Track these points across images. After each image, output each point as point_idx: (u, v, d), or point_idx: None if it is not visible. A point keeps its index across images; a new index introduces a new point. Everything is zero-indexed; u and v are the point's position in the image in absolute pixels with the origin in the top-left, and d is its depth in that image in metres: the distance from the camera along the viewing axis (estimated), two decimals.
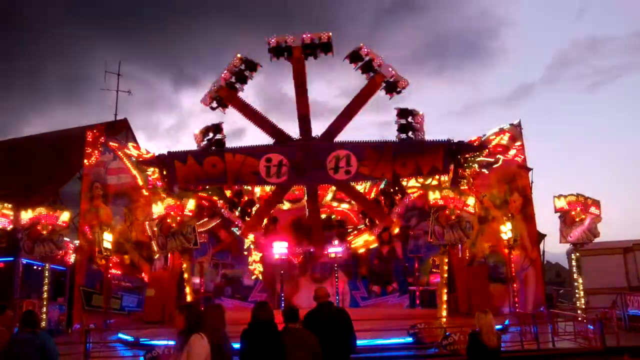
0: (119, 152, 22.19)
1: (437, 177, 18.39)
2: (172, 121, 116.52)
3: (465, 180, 18.67)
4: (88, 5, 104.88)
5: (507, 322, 15.67)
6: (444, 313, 15.17)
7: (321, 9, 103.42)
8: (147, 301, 19.26)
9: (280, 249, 19.83)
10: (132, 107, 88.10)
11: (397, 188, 19.14)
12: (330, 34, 18.33)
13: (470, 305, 17.30)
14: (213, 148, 17.83)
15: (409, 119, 17.84)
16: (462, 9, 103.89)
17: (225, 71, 18.56)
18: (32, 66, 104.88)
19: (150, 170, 22.00)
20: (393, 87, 18.35)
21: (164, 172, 18.08)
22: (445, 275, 15.34)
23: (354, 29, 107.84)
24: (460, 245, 17.75)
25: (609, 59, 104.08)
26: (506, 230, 18.83)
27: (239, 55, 18.65)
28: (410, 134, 17.79)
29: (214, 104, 18.67)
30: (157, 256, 20.85)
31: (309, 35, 18.23)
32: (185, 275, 16.39)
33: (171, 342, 12.11)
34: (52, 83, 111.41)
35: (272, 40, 18.48)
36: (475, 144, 18.92)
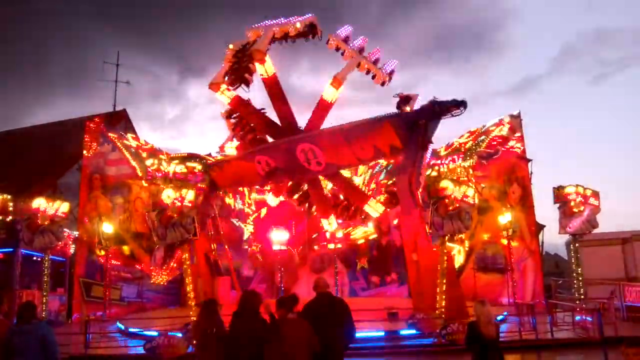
0: (118, 143, 22.17)
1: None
2: (177, 112, 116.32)
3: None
4: None
5: (505, 313, 15.73)
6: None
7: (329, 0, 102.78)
8: None
9: (279, 239, 19.93)
10: (137, 98, 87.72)
11: None
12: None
13: None
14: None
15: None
16: (470, 0, 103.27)
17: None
18: (36, 57, 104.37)
19: (149, 161, 22.08)
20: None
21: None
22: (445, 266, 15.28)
23: (361, 21, 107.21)
24: None
25: (616, 51, 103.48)
26: (505, 221, 18.83)
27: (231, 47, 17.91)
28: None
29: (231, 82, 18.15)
30: (157, 247, 20.93)
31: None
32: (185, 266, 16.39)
33: (171, 333, 12.21)
34: (56, 74, 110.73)
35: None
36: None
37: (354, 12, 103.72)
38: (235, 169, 18.59)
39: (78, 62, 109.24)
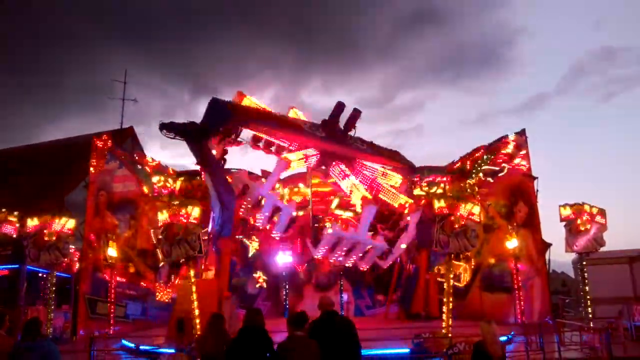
0: (125, 160, 22.28)
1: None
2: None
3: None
4: (107, 15, 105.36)
5: (512, 333, 15.58)
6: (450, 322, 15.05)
7: (341, 19, 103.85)
8: None
9: (284, 258, 19.87)
10: (148, 116, 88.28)
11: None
12: None
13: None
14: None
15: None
16: (480, 19, 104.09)
17: None
18: (49, 76, 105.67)
19: (155, 178, 22.10)
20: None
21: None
22: (451, 283, 15.20)
23: (372, 39, 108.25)
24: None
25: (625, 69, 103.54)
26: (511, 239, 18.73)
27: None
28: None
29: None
30: (161, 264, 20.91)
31: None
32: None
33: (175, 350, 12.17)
34: (69, 92, 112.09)
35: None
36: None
37: (365, 31, 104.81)
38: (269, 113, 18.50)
39: (89, 80, 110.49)
